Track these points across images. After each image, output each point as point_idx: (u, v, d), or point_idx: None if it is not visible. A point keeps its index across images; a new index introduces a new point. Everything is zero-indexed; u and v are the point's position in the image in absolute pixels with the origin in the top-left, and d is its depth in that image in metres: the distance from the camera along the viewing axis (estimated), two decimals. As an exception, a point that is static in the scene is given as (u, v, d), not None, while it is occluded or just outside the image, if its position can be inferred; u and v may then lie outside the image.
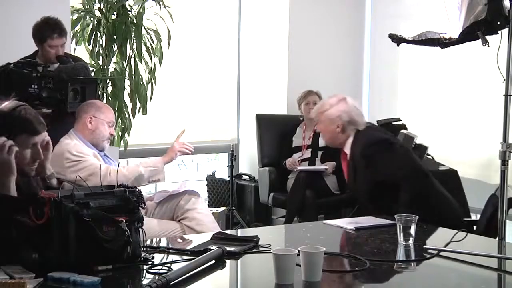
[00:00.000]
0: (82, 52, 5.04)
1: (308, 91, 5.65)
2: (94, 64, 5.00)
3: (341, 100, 3.66)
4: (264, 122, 5.97)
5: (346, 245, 2.60)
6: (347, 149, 3.63)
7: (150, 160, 3.89)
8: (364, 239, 2.71)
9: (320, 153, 5.52)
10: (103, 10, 5.07)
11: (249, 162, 6.34)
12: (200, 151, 6.20)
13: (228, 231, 3.29)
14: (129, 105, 5.13)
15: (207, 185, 6.26)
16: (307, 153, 5.54)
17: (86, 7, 5.07)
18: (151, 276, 2.13)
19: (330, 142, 3.76)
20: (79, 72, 3.99)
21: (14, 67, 3.75)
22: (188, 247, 2.49)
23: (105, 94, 5.00)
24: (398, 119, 5.78)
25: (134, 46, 5.08)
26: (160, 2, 5.17)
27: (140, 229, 2.27)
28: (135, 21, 5.06)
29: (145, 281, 2.10)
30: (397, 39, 3.16)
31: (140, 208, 2.29)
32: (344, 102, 3.64)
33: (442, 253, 2.44)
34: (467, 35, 2.84)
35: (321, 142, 5.55)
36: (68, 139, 3.70)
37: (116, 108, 5.06)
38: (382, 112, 6.29)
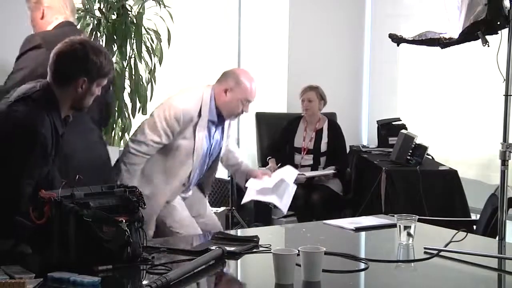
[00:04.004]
0: (82, 52, 5.04)
1: (306, 87, 5.60)
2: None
3: None
4: (264, 121, 5.97)
5: (346, 245, 2.60)
6: None
7: None
8: (364, 239, 2.71)
9: (322, 160, 5.47)
10: (103, 10, 5.07)
11: (249, 162, 6.30)
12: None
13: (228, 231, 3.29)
14: (129, 105, 5.13)
15: (207, 185, 6.26)
16: (309, 159, 5.48)
17: (86, 7, 5.07)
18: (151, 276, 2.13)
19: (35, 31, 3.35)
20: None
21: None
22: (188, 247, 2.49)
23: (105, 94, 5.01)
24: (398, 119, 5.79)
25: (134, 46, 5.08)
26: (160, 2, 5.17)
27: (140, 229, 2.27)
28: (135, 21, 5.07)
29: (145, 281, 2.10)
30: (397, 39, 3.15)
31: (140, 208, 2.29)
32: None
33: (442, 253, 2.44)
34: (467, 35, 2.84)
35: (323, 147, 5.50)
36: None
37: (116, 108, 5.06)
38: (382, 112, 6.30)
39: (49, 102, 2.46)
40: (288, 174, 3.89)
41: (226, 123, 3.64)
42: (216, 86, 3.52)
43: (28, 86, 2.50)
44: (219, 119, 3.54)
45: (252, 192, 3.76)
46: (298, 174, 5.29)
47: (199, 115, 3.44)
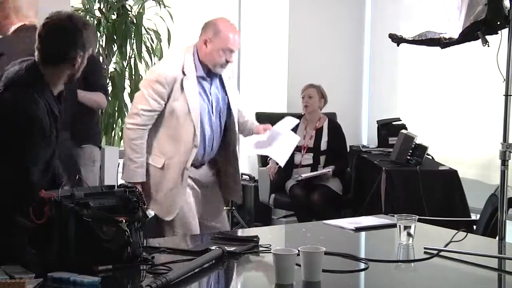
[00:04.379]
0: (82, 52, 5.04)
1: (307, 85, 5.60)
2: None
3: None
4: (264, 121, 5.95)
5: (346, 245, 2.59)
6: None
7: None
8: (364, 239, 2.71)
9: (322, 158, 5.48)
10: (103, 10, 5.08)
11: (249, 162, 6.33)
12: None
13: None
14: (129, 105, 5.13)
15: (207, 185, 6.25)
16: (309, 158, 5.48)
17: (86, 7, 5.07)
18: (151, 276, 2.13)
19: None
20: None
21: None
22: (188, 247, 2.49)
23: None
24: (398, 119, 5.79)
25: (134, 46, 5.09)
26: (160, 2, 5.18)
27: (140, 229, 2.27)
28: (135, 21, 5.07)
29: (145, 281, 2.10)
30: (397, 39, 3.16)
31: (140, 208, 2.28)
32: None
33: (442, 253, 2.44)
34: (467, 35, 2.84)
35: (323, 145, 5.50)
36: None
37: (116, 108, 5.07)
38: (382, 112, 6.30)
39: (38, 82, 2.41)
40: (285, 124, 3.82)
41: (224, 77, 3.56)
42: (198, 41, 3.51)
43: (14, 70, 2.43)
44: (211, 74, 3.51)
45: (250, 147, 3.72)
46: (295, 175, 5.31)
47: (183, 73, 3.42)
